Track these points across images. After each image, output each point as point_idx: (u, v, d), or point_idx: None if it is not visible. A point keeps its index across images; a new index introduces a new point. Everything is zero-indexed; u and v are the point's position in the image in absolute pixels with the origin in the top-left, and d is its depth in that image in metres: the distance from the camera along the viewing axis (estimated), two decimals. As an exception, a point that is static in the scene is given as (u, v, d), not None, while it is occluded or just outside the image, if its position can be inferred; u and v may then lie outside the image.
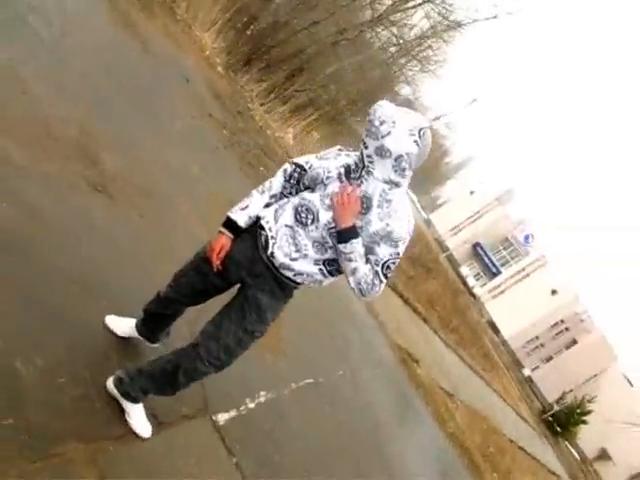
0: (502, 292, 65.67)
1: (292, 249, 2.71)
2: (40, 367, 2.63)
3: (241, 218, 2.79)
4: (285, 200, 2.84)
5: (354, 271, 2.66)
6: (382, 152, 2.57)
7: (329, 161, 2.76)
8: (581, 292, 59.05)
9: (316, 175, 2.75)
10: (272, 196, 2.86)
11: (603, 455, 60.73)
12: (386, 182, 2.64)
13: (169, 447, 3.08)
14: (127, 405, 2.93)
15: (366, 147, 2.61)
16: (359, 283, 2.67)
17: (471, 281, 68.40)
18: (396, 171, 2.61)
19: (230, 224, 2.80)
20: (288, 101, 13.74)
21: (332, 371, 6.41)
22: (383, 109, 2.55)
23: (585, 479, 35.73)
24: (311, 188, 2.77)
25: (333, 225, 2.66)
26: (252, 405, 4.17)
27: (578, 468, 36.21)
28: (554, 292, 60.51)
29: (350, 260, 2.64)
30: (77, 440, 2.57)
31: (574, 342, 59.66)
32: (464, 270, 68.92)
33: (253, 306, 2.79)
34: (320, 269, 2.76)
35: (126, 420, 2.91)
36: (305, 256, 2.72)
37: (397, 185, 2.65)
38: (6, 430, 2.31)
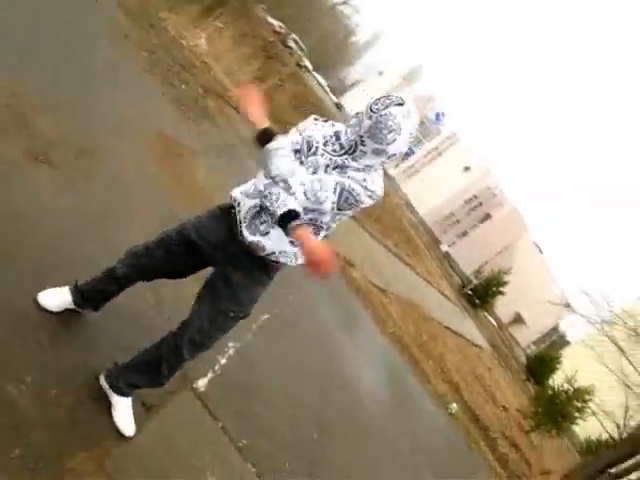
0: (416, 172, 67.12)
1: (257, 227, 2.68)
2: (30, 384, 2.58)
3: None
4: (251, 182, 2.78)
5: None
6: (379, 152, 2.55)
7: (313, 131, 2.68)
8: (492, 167, 60.88)
9: (310, 141, 2.65)
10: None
11: (517, 319, 65.33)
12: (366, 166, 2.61)
13: (165, 433, 3.13)
14: (114, 398, 2.92)
15: (362, 142, 2.54)
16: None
17: (386, 163, 69.31)
18: (381, 162, 2.60)
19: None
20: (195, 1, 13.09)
21: (282, 299, 6.52)
22: (395, 118, 2.46)
23: (503, 345, 38.44)
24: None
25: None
26: (224, 361, 4.24)
27: (497, 336, 38.85)
28: (467, 169, 62.38)
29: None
30: (82, 450, 2.57)
31: (488, 216, 62.29)
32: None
33: (226, 285, 2.77)
34: (290, 242, 2.69)
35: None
36: (271, 232, 2.67)
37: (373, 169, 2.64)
38: (15, 462, 2.29)
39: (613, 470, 11.12)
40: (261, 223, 2.67)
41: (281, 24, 41.62)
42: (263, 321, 5.45)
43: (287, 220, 2.44)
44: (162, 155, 6.05)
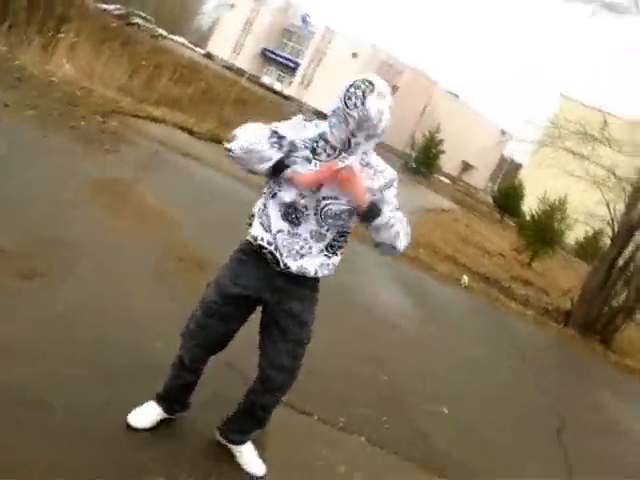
0: (310, 81, 66.43)
1: (297, 251, 2.69)
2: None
3: None
4: (261, 207, 2.78)
5: (396, 235, 2.67)
6: (372, 136, 2.56)
7: (300, 131, 2.65)
8: (379, 43, 60.43)
9: (293, 142, 2.63)
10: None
11: (466, 167, 66.56)
12: (363, 153, 2.65)
13: (284, 457, 3.26)
14: (234, 448, 3.07)
15: (354, 135, 2.53)
16: (403, 240, 2.70)
17: (278, 86, 68.46)
18: (375, 143, 2.64)
19: None
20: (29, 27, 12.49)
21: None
22: (375, 107, 2.46)
23: (466, 197, 39.29)
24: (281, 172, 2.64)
25: (325, 202, 2.63)
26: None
27: (457, 192, 39.69)
28: (354, 55, 61.94)
29: (389, 226, 2.66)
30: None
31: (395, 88, 62.28)
32: (266, 79, 68.68)
33: (291, 318, 2.78)
34: (326, 255, 2.75)
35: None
36: (310, 252, 2.71)
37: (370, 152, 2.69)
38: None
39: (620, 263, 11.69)
40: (300, 247, 2.69)
41: (117, 6, 39.90)
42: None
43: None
44: (110, 202, 5.96)
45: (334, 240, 2.76)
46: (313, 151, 2.62)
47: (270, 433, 3.36)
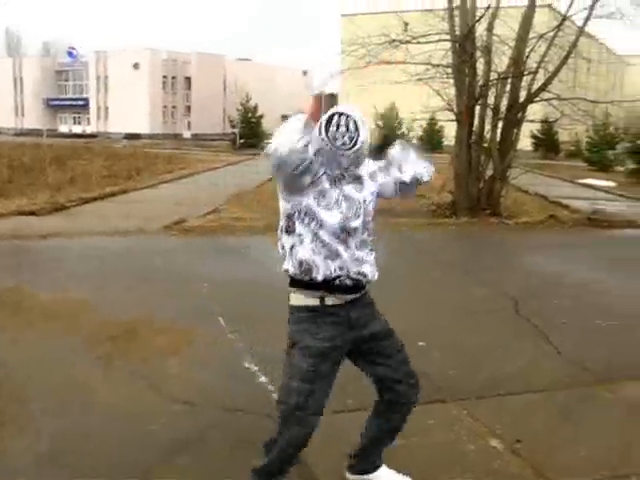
0: (107, 109, 64.08)
1: (358, 265, 2.60)
2: None
3: None
4: (307, 248, 2.58)
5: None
6: (359, 160, 2.53)
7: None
8: (152, 42, 59.09)
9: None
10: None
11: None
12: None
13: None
14: (373, 475, 2.98)
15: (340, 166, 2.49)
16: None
17: (78, 128, 65.67)
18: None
19: None
20: None
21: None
22: (361, 138, 2.42)
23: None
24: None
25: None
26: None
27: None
28: (136, 66, 60.30)
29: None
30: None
31: (188, 80, 61.64)
32: (64, 128, 65.61)
33: (376, 341, 2.74)
34: (373, 248, 2.70)
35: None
36: (365, 260, 2.64)
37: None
38: None
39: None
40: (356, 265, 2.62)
41: None
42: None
43: None
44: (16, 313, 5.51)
45: (368, 236, 2.67)
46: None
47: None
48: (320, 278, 2.54)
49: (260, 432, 3.45)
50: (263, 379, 4.22)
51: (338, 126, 2.38)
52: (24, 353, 4.62)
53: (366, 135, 2.44)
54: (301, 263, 2.56)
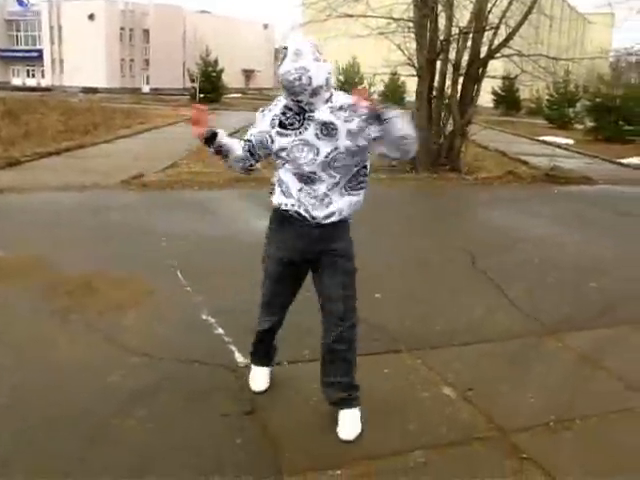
0: (62, 61, 62.15)
1: (322, 202, 2.87)
2: None
3: (220, 136, 2.96)
4: (278, 177, 2.97)
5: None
6: (314, 94, 2.71)
7: (261, 123, 2.91)
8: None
9: (260, 139, 2.91)
10: (238, 158, 3.03)
11: (248, 73, 65.68)
12: (326, 101, 2.79)
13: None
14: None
15: (298, 99, 2.72)
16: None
17: (32, 81, 63.72)
18: (327, 92, 2.78)
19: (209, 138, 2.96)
20: None
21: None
22: (289, 67, 2.64)
23: (257, 99, 39.05)
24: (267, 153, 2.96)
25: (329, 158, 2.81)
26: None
27: (249, 100, 39.20)
28: (91, 17, 58.51)
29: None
30: None
31: (146, 32, 60.11)
32: (17, 81, 63.57)
33: (334, 257, 2.97)
34: (350, 194, 2.93)
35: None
36: (333, 199, 2.88)
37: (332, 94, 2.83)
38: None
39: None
40: (322, 199, 2.87)
41: None
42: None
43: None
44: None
45: (353, 178, 2.92)
46: (281, 125, 2.83)
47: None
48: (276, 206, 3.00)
49: (216, 383, 3.53)
50: (220, 331, 4.23)
51: (282, 58, 2.68)
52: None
53: (299, 65, 2.61)
54: (271, 185, 3.06)
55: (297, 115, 2.79)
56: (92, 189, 9.10)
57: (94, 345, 3.96)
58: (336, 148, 2.78)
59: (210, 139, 2.94)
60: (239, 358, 3.81)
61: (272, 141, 2.87)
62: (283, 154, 2.85)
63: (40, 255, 5.75)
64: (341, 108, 2.76)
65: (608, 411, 3.42)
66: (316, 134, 2.77)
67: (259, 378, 3.46)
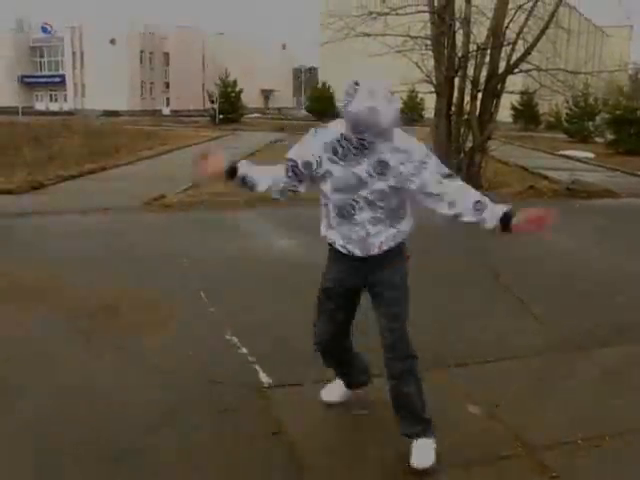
0: (83, 86, 63.11)
1: (360, 236, 2.89)
2: None
3: (242, 168, 2.91)
4: (323, 209, 3.00)
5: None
6: (379, 134, 2.67)
7: (311, 145, 2.85)
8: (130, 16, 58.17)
9: (308, 160, 2.84)
10: (277, 190, 2.97)
11: (267, 93, 66.07)
12: (386, 139, 2.74)
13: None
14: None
15: (361, 136, 2.68)
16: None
17: (55, 105, 64.79)
18: (390, 131, 2.73)
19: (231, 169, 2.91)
20: None
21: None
22: (361, 106, 2.58)
23: (277, 119, 39.17)
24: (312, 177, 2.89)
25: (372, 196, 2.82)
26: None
27: (270, 120, 39.22)
28: (113, 41, 59.39)
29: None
30: None
31: (167, 56, 60.72)
32: (40, 106, 64.68)
33: (381, 285, 2.98)
34: (392, 226, 2.92)
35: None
36: (372, 234, 2.89)
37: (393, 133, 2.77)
38: None
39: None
40: (360, 234, 2.89)
41: None
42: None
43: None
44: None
45: (394, 212, 2.91)
46: (334, 152, 2.79)
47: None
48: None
49: (241, 403, 3.53)
50: (244, 350, 4.24)
51: (346, 91, 2.64)
52: (2, 331, 4.59)
53: (373, 105, 2.56)
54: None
55: (355, 148, 2.74)
56: (114, 211, 9.20)
57: (119, 365, 3.99)
58: (385, 187, 2.78)
59: (231, 172, 2.89)
60: (263, 378, 3.82)
61: (320, 165, 2.82)
62: (328, 181, 2.84)
63: (62, 276, 5.81)
64: (400, 150, 2.75)
65: (637, 428, 3.36)
66: (368, 171, 2.75)
67: (331, 388, 3.53)
